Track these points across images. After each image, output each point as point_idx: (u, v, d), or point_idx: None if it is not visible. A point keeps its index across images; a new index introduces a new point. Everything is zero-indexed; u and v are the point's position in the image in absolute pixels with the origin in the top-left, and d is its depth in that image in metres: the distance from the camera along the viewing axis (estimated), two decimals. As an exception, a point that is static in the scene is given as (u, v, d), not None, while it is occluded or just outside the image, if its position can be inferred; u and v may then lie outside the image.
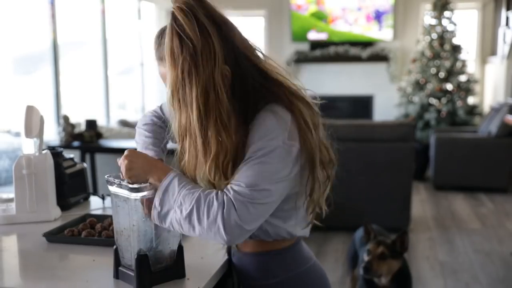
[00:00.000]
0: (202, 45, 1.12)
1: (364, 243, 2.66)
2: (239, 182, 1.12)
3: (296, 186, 1.22)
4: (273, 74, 1.22)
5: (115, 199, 1.25)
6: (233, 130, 1.16)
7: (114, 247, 1.27)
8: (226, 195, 1.11)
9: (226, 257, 1.40)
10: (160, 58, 1.26)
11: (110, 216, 1.63)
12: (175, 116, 1.17)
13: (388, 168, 4.33)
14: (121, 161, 1.22)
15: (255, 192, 1.11)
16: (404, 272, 2.61)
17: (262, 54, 1.24)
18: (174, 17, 1.14)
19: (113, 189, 1.24)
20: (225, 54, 1.15)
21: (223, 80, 1.14)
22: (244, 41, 1.21)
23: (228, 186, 1.13)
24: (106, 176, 1.26)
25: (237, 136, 1.17)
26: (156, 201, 1.16)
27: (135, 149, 1.33)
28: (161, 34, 1.25)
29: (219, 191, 1.13)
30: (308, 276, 1.34)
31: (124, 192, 1.21)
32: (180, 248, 1.26)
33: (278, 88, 1.21)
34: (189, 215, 1.12)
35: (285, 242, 1.31)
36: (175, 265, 1.25)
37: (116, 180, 1.23)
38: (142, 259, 1.20)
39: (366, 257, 2.53)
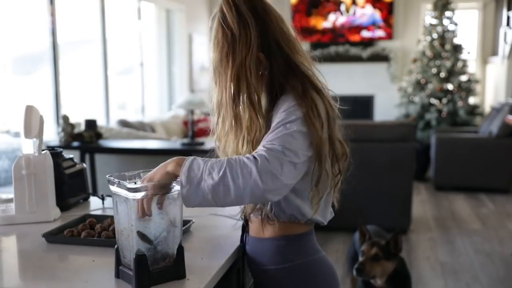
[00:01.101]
0: (239, 35, 1.30)
1: (359, 244, 2.65)
2: (267, 141, 1.22)
3: (308, 169, 1.29)
4: (302, 67, 1.35)
5: (116, 198, 1.25)
6: (263, 111, 1.32)
7: (116, 246, 1.26)
8: (257, 152, 1.21)
9: (234, 246, 1.39)
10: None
11: (110, 217, 1.63)
12: (213, 93, 1.34)
13: (389, 168, 4.33)
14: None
15: (284, 149, 1.20)
16: (402, 273, 2.60)
17: (301, 48, 1.37)
18: (220, 8, 1.33)
19: (113, 188, 1.24)
20: (262, 43, 1.31)
21: (256, 65, 1.31)
22: (283, 33, 1.34)
23: (261, 146, 1.23)
24: (107, 176, 1.26)
25: (267, 118, 1.32)
26: (183, 180, 1.19)
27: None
28: (212, 19, 1.37)
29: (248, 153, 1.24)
30: (320, 265, 1.44)
31: (123, 192, 1.20)
32: (180, 248, 1.25)
33: (300, 80, 1.33)
34: (223, 178, 1.17)
35: (301, 228, 1.40)
36: (175, 266, 1.24)
37: (116, 180, 1.23)
38: (140, 259, 1.19)
39: (360, 258, 2.53)
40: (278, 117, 1.27)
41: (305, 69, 1.35)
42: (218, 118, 1.36)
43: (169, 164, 1.23)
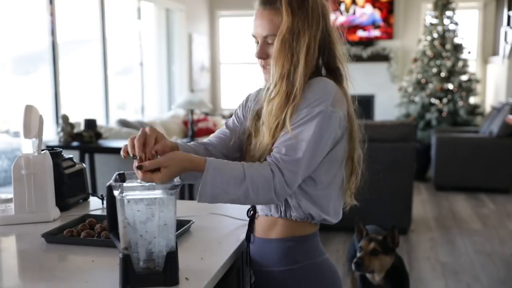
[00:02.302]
0: (314, 8, 1.32)
1: (357, 241, 2.67)
2: (282, 149, 1.26)
3: (334, 156, 1.34)
4: (337, 62, 1.39)
5: (131, 206, 1.18)
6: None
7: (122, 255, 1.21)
8: (275, 165, 1.25)
9: (234, 246, 1.39)
10: (264, 9, 1.34)
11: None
12: (278, 60, 1.31)
13: (389, 168, 4.32)
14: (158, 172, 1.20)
15: (298, 157, 1.25)
16: (400, 272, 2.62)
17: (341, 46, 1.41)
18: None
19: (135, 193, 1.18)
20: (321, 27, 1.34)
21: (319, 42, 1.33)
22: (333, 27, 1.39)
23: (276, 156, 1.26)
24: (116, 183, 1.19)
25: None
26: (206, 190, 1.23)
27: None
28: None
29: (265, 163, 1.26)
30: (323, 268, 1.43)
31: (152, 194, 1.18)
32: (171, 254, 1.19)
33: (338, 73, 1.39)
34: (246, 194, 1.23)
35: (310, 229, 1.41)
36: (164, 272, 1.19)
37: (137, 183, 1.19)
38: (126, 258, 1.17)
39: (358, 254, 2.57)
40: (299, 109, 1.28)
41: (338, 64, 1.39)
42: (279, 85, 1.31)
43: (185, 164, 1.22)
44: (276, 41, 1.31)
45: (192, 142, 1.53)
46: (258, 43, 1.38)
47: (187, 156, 1.24)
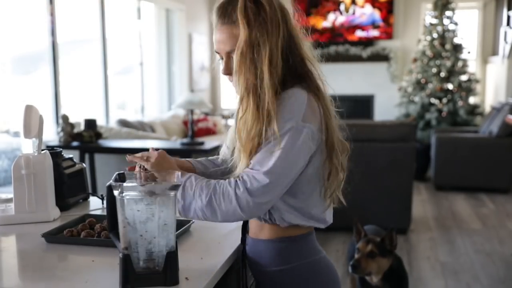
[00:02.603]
0: (272, 15, 1.27)
1: (356, 242, 2.66)
2: (255, 164, 1.24)
3: (313, 168, 1.31)
4: (307, 63, 1.35)
5: (131, 205, 1.18)
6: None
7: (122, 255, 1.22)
8: (239, 178, 1.24)
9: (234, 246, 1.41)
10: (222, 23, 1.31)
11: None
12: (241, 74, 1.27)
13: (389, 168, 4.32)
14: (151, 155, 1.37)
15: (265, 170, 1.22)
16: (398, 272, 2.61)
17: (308, 45, 1.36)
18: None
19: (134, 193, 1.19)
20: (282, 33, 1.29)
21: (281, 49, 1.28)
22: (296, 28, 1.34)
23: (246, 170, 1.25)
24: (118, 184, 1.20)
25: None
26: (179, 195, 1.28)
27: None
28: (228, 2, 1.31)
29: (234, 179, 1.26)
30: (320, 265, 1.42)
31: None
32: (171, 253, 1.19)
33: (310, 76, 1.34)
34: (210, 202, 1.25)
35: (301, 230, 1.39)
36: (164, 271, 1.19)
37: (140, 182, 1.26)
38: (126, 258, 1.18)
39: (355, 255, 2.55)
40: (271, 125, 1.23)
41: (309, 66, 1.35)
42: (246, 99, 1.27)
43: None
44: (235, 55, 1.27)
45: (204, 158, 1.60)
46: (222, 58, 1.34)
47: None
